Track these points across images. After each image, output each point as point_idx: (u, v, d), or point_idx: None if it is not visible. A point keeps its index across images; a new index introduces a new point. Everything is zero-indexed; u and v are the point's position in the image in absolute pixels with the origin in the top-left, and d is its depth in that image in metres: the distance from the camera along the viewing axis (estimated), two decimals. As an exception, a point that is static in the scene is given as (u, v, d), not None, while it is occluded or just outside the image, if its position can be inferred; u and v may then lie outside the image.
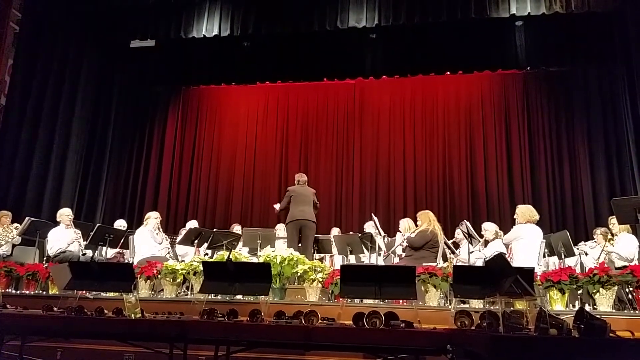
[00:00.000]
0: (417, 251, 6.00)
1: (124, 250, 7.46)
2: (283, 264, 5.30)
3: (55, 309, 4.16)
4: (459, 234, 6.89)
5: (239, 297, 5.08)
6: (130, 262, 6.33)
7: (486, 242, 6.54)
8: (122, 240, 6.84)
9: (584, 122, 9.53)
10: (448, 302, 5.01)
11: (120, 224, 7.93)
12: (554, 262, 6.44)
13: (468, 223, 6.21)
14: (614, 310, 4.68)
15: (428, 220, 6.16)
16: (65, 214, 6.98)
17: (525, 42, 9.28)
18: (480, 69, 9.81)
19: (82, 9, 9.52)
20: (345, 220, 10.00)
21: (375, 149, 10.39)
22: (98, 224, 7.22)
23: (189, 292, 5.68)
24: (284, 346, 3.88)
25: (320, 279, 5.28)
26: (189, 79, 10.88)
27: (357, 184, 10.25)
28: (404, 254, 6.31)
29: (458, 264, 6.12)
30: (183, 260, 6.28)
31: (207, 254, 6.90)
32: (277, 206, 7.48)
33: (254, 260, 5.96)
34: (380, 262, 6.57)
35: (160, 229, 7.30)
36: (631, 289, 4.80)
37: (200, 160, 10.94)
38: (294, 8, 9.07)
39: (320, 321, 3.56)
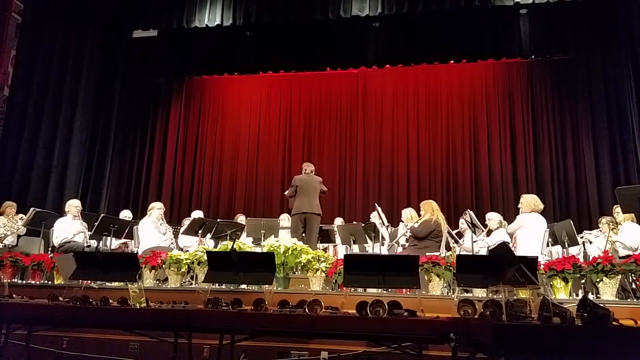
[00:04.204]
0: (421, 241, 6.01)
1: (129, 241, 7.49)
2: (287, 254, 5.32)
3: (60, 298, 4.20)
4: (463, 223, 6.90)
5: (243, 286, 5.11)
6: (135, 252, 6.36)
7: (490, 232, 6.54)
8: (126, 231, 6.85)
9: (588, 110, 9.47)
10: (451, 291, 5.03)
11: (126, 214, 7.94)
12: (557, 251, 6.44)
13: (472, 212, 6.21)
14: (617, 299, 4.68)
15: (431, 210, 6.16)
16: (74, 205, 7.01)
17: (529, 30, 9.18)
18: (484, 58, 9.73)
19: (84, -1, 9.51)
20: (348, 210, 10.01)
21: (378, 139, 10.36)
22: (102, 214, 7.24)
23: (193, 282, 5.71)
24: (288, 335, 3.92)
25: (324, 269, 5.30)
26: (191, 69, 10.82)
27: (361, 173, 10.24)
28: (407, 244, 6.32)
29: (462, 253, 6.13)
30: (187, 251, 6.31)
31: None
32: (287, 193, 7.52)
33: (258, 250, 5.98)
34: (384, 252, 6.58)
35: (164, 220, 7.32)
36: (635, 278, 4.81)
37: (204, 151, 10.94)
38: (297, -3, 9.01)
39: (323, 310, 3.58)
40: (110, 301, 4.00)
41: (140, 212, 9.25)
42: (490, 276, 3.48)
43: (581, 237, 6.39)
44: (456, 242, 6.54)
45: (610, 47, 9.09)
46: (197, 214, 8.02)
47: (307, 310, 3.55)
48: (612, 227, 6.30)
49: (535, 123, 9.79)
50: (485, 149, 9.84)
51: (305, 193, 7.15)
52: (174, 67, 10.67)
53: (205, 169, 10.84)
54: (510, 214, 7.96)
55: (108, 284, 5.22)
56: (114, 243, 7.04)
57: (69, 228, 6.74)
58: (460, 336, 3.13)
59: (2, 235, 6.86)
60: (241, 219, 8.01)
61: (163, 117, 11.12)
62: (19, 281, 6.09)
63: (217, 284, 4.91)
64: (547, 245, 6.20)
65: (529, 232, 5.74)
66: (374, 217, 7.42)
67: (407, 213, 6.66)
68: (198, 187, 10.75)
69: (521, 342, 2.63)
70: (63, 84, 9.20)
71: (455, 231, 6.86)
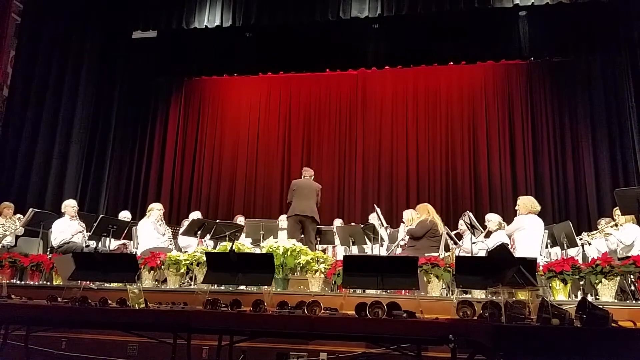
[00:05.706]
0: (419, 241, 6.02)
1: (128, 242, 7.48)
2: (286, 255, 5.32)
3: (59, 299, 4.20)
4: (462, 225, 6.90)
5: (242, 287, 5.11)
6: (134, 253, 6.36)
7: (489, 233, 6.55)
8: (125, 231, 6.85)
9: (587, 112, 9.48)
10: (450, 292, 5.03)
11: (125, 215, 7.93)
12: (556, 252, 6.44)
13: (470, 214, 6.22)
14: (616, 301, 4.68)
15: (427, 212, 6.21)
16: (70, 205, 7.00)
17: (528, 32, 9.20)
18: (483, 60, 9.74)
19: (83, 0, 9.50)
20: (347, 211, 10.00)
21: (377, 140, 10.36)
22: (101, 215, 7.23)
23: (192, 283, 5.71)
24: (287, 336, 3.91)
25: (323, 270, 5.31)
26: (191, 70, 10.84)
27: (360, 175, 10.25)
28: (407, 246, 6.33)
29: (461, 254, 6.13)
30: (186, 252, 6.30)
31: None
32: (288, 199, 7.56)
33: (257, 251, 5.98)
34: (383, 253, 6.58)
35: (163, 221, 7.32)
36: (633, 279, 4.81)
37: (203, 151, 10.94)
38: (296, -2, 9.02)
39: (322, 311, 3.58)
40: (109, 302, 4.00)
41: (139, 213, 9.25)
42: (489, 277, 3.48)
43: (580, 239, 6.40)
44: (455, 243, 6.54)
45: (609, 49, 9.11)
46: (196, 214, 8.00)
47: (306, 311, 3.55)
48: (612, 226, 6.31)
49: (535, 124, 9.80)
50: (485, 151, 9.85)
51: (302, 196, 7.17)
52: (173, 68, 10.68)
53: (205, 169, 10.84)
54: (509, 215, 7.92)
55: (107, 284, 5.22)
56: (113, 244, 7.03)
57: (67, 229, 6.73)
58: (459, 337, 3.13)
59: (1, 236, 6.85)
60: (240, 219, 8.00)
61: (162, 118, 11.12)
62: (18, 282, 6.09)
63: (216, 285, 4.91)
64: (546, 247, 6.21)
65: (526, 234, 5.75)
66: (373, 219, 7.42)
67: (409, 214, 6.68)
68: (197, 188, 10.75)
69: (520, 343, 2.63)
70: (62, 85, 9.19)
71: (455, 232, 6.86)
